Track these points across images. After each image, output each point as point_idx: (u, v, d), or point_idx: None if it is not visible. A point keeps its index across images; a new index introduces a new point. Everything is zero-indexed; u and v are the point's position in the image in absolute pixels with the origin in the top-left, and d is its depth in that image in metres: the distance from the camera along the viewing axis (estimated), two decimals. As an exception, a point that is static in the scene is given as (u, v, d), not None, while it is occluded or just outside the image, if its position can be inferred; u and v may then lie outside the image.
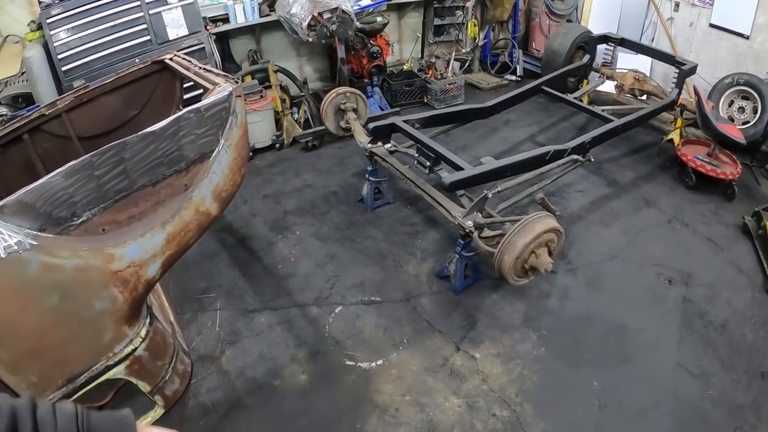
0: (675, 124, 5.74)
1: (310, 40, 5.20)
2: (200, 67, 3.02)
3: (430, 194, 3.88)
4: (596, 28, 6.61)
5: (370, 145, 4.36)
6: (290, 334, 3.59)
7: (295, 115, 5.80)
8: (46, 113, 3.25)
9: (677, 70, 5.52)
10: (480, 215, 3.65)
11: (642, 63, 6.24)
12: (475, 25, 7.06)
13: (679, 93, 5.51)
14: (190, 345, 3.43)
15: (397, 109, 6.18)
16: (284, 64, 6.10)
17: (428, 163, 3.97)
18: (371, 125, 4.19)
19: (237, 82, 2.53)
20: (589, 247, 4.32)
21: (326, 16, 5.17)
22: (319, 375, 3.34)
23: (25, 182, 1.95)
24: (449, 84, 6.52)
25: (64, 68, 4.58)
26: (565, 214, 4.68)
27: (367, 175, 4.53)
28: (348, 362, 3.41)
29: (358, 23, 5.68)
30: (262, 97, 5.40)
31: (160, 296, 3.38)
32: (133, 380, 2.43)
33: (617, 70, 6.15)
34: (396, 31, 7.02)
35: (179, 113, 2.29)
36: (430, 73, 6.64)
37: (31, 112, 3.30)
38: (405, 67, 6.91)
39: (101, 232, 2.12)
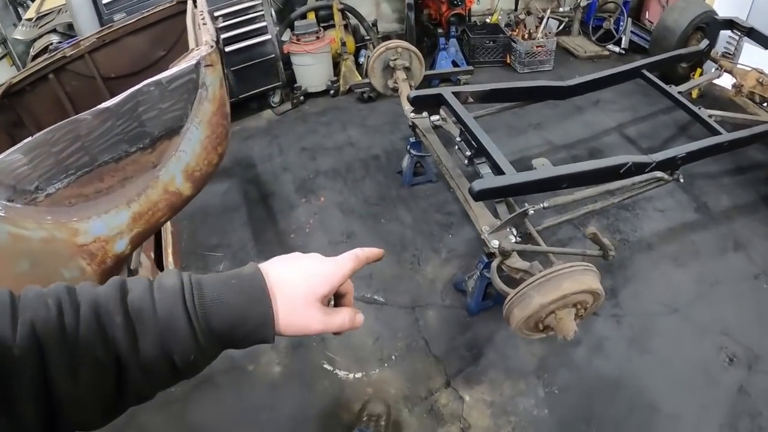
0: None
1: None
2: (203, 20, 2.50)
3: (461, 190, 2.98)
4: (723, 9, 5.08)
5: (413, 114, 3.43)
6: None
7: (362, 59, 4.93)
8: (68, 54, 3.08)
9: None
10: (514, 234, 2.77)
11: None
12: None
13: None
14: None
15: (470, 68, 5.01)
16: (356, 2, 5.18)
17: (468, 153, 3.05)
18: (413, 94, 3.24)
19: (212, 47, 2.01)
20: (649, 290, 3.25)
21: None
22: (294, 371, 2.80)
23: (56, 120, 1.86)
24: (537, 46, 5.22)
25: (104, 1, 4.03)
26: (633, 239, 3.58)
27: (408, 147, 3.63)
28: (326, 366, 2.81)
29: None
30: (318, 38, 4.53)
31: (166, 248, 2.95)
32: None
33: (738, 66, 4.65)
34: None
35: (137, 87, 1.90)
36: (518, 30, 5.32)
37: (54, 54, 3.12)
38: (490, 20, 5.62)
39: (69, 204, 1.99)
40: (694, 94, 5.11)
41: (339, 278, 0.78)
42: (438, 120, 3.38)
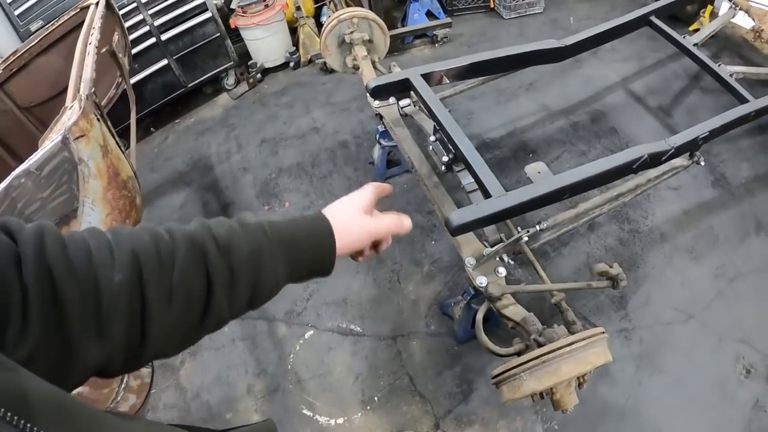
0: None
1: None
2: (91, 42, 2.04)
3: (439, 206, 2.35)
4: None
5: (377, 102, 2.75)
6: (252, 357, 2.60)
7: (323, 19, 4.07)
8: None
9: None
10: (505, 262, 2.17)
11: None
12: None
13: None
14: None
15: (448, 20, 4.20)
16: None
17: (445, 158, 2.41)
18: (372, 84, 2.51)
19: (80, 110, 1.57)
20: (662, 294, 2.75)
21: None
22: (273, 418, 2.30)
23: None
24: None
25: (17, 11, 3.36)
26: (644, 228, 3.02)
27: (377, 136, 2.99)
28: (305, 411, 2.41)
29: None
30: (267, 5, 3.70)
31: None
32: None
33: (756, 5, 3.80)
34: None
35: (6, 182, 1.54)
36: None
37: None
38: None
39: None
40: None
41: (372, 197, 0.92)
42: (408, 106, 2.68)
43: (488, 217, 2.05)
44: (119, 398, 2.29)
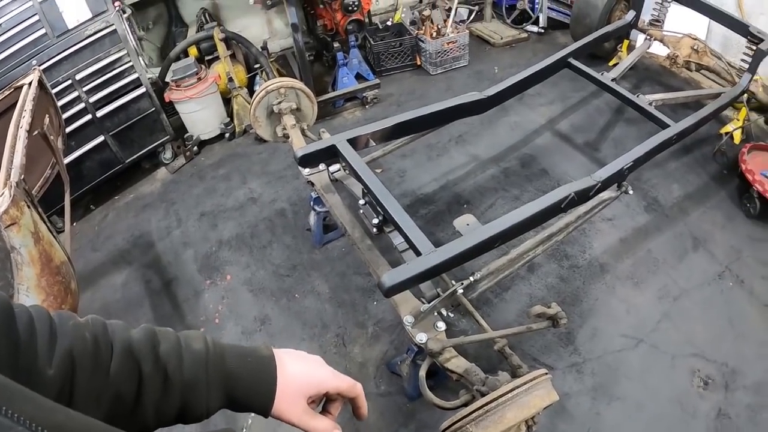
0: (738, 116, 3.92)
1: (252, 2, 3.51)
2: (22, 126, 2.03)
3: (374, 269, 2.41)
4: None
5: (307, 170, 2.84)
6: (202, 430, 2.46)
7: (257, 88, 4.20)
8: None
9: (750, 46, 3.61)
10: (444, 316, 2.23)
11: (696, 23, 4.21)
12: None
13: (751, 79, 3.63)
14: None
15: (376, 81, 4.40)
16: (247, 21, 4.44)
17: (375, 220, 2.49)
18: (300, 153, 2.61)
19: (11, 197, 1.60)
20: (609, 324, 2.83)
21: (274, -35, 3.43)
22: None
23: None
24: (448, 43, 4.59)
25: None
26: (583, 262, 3.13)
27: (311, 203, 3.05)
28: None
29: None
30: (199, 79, 3.82)
31: None
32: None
33: (668, 33, 4.13)
34: None
35: None
36: (425, 28, 4.65)
37: None
38: (393, 19, 4.92)
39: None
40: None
41: (330, 386, 0.87)
42: (338, 171, 2.77)
43: (419, 275, 2.12)
44: None
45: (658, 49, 4.37)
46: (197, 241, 3.40)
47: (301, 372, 0.84)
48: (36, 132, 2.35)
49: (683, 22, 4.27)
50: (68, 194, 2.76)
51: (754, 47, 3.58)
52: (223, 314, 2.98)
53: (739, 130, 3.90)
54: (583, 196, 2.61)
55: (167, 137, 3.94)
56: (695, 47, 3.96)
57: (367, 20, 4.65)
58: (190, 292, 3.14)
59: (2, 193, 1.58)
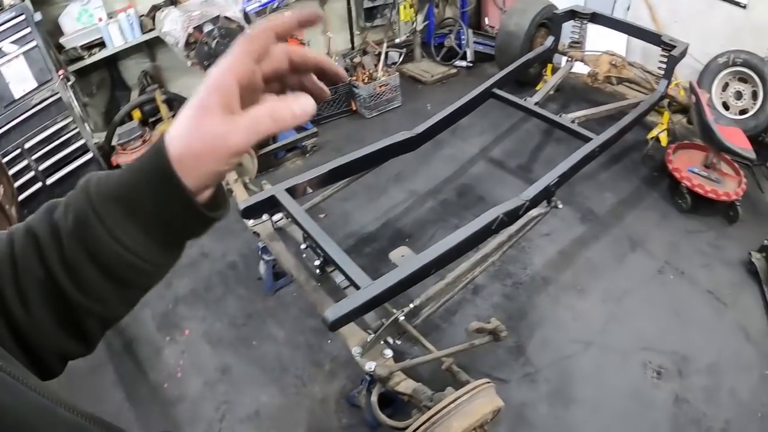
0: (662, 120, 4.24)
1: (190, 64, 3.69)
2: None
3: (321, 308, 2.52)
4: (561, 2, 4.92)
5: (252, 222, 2.96)
6: None
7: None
8: None
9: (664, 54, 3.96)
10: (390, 344, 2.36)
11: (616, 39, 4.60)
12: (410, 6, 5.19)
13: (668, 84, 3.97)
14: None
15: (313, 130, 4.58)
16: (188, 81, 4.59)
17: (317, 262, 2.63)
18: (242, 206, 2.76)
19: None
20: (557, 332, 2.99)
21: (207, 29, 3.61)
22: None
23: None
24: (380, 86, 4.83)
25: None
26: (525, 278, 3.29)
27: (259, 252, 3.15)
28: None
29: (260, 26, 4.14)
30: (144, 141, 3.96)
31: None
32: None
33: (588, 53, 4.51)
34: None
35: None
36: (358, 74, 4.91)
37: None
38: None
39: None
40: (552, 90, 4.89)
41: (228, 72, 0.56)
42: (281, 220, 2.91)
43: (360, 307, 2.25)
44: None
45: (581, 69, 4.72)
46: (153, 300, 3.45)
47: (186, 107, 0.57)
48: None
49: (604, 40, 4.64)
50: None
51: (668, 54, 3.92)
52: (184, 368, 3.02)
53: (665, 133, 4.22)
54: (512, 215, 2.80)
55: (117, 201, 4.02)
56: (613, 62, 4.31)
57: (302, 72, 4.81)
58: (150, 350, 3.17)
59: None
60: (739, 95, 4.29)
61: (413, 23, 5.28)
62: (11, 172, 3.43)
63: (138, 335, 3.27)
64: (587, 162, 3.35)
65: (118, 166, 3.99)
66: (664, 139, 4.21)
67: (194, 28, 3.56)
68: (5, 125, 3.49)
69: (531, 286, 3.24)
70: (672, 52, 3.87)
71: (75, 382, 2.94)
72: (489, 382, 2.05)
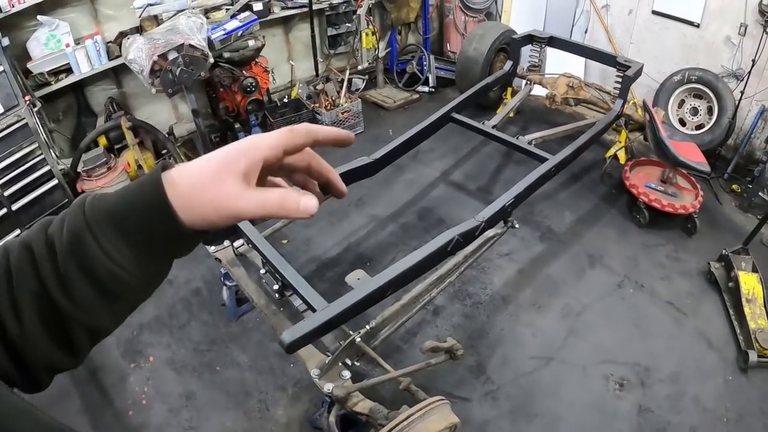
0: (619, 139, 4.45)
1: (155, 91, 3.77)
2: None
3: (279, 331, 2.57)
4: (520, 23, 5.15)
5: (213, 248, 3.03)
6: None
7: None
8: None
9: (619, 74, 4.12)
10: (348, 365, 2.44)
11: (575, 62, 4.82)
12: (372, 34, 5.34)
13: (624, 104, 4.14)
14: None
15: None
16: (154, 108, 4.68)
17: (275, 286, 2.70)
18: (199, 229, 2.85)
19: None
20: (517, 349, 3.09)
21: (171, 56, 3.70)
22: None
23: None
24: (342, 113, 4.96)
25: None
26: (485, 298, 3.39)
27: (221, 278, 3.19)
28: None
29: (225, 53, 4.25)
30: (109, 168, 4.01)
31: None
32: None
33: (546, 75, 4.71)
34: (284, 49, 5.40)
35: None
36: (321, 100, 5.04)
37: None
38: (291, 95, 5.27)
39: None
40: (512, 113, 5.06)
41: (262, 149, 0.63)
42: (242, 246, 2.99)
43: (316, 329, 2.30)
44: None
45: (541, 91, 4.91)
46: (118, 327, 3.48)
47: (207, 157, 0.63)
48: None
49: (564, 63, 4.84)
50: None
51: (623, 75, 4.07)
52: (149, 395, 3.04)
53: (623, 151, 4.41)
54: (468, 236, 2.87)
55: (82, 227, 4.06)
56: (570, 84, 4.49)
57: (266, 98, 4.96)
58: (115, 377, 3.19)
59: None
60: (695, 111, 4.54)
61: (375, 50, 5.45)
62: None
63: (103, 363, 3.29)
64: (543, 182, 3.47)
65: (83, 192, 4.07)
66: (622, 156, 4.40)
67: (159, 56, 3.64)
68: None
69: (491, 306, 3.34)
70: (626, 72, 4.03)
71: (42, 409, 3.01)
72: (443, 400, 2.13)
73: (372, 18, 5.42)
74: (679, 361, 2.99)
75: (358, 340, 2.42)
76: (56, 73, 4.07)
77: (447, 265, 2.85)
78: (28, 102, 3.68)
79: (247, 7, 4.33)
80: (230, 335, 3.31)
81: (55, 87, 4.05)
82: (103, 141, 4.29)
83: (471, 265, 3.20)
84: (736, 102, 4.25)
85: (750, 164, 4.41)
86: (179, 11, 3.84)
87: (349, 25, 5.41)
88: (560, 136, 4.16)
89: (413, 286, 2.72)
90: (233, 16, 4.21)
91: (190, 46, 3.75)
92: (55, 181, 3.89)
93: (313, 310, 2.39)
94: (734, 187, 4.37)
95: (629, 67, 4.09)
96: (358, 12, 5.05)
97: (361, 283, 2.57)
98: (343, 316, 2.37)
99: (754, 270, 3.38)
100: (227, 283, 3.20)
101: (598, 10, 4.91)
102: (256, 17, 4.25)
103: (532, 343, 3.12)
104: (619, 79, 4.15)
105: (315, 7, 5.04)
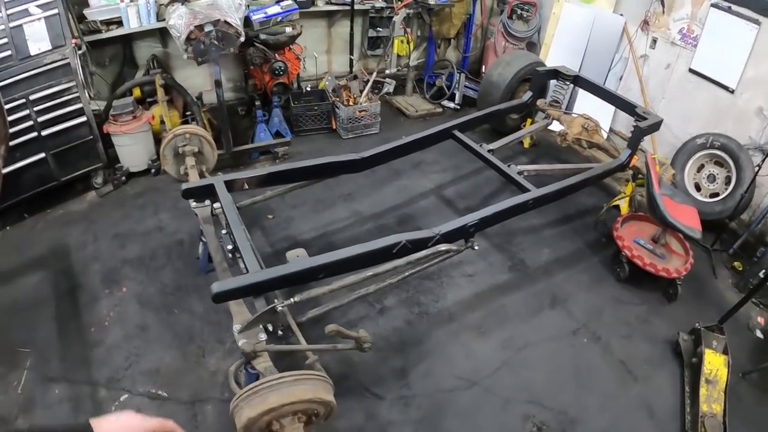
0: (625, 190, 4.51)
1: (186, 57, 4.22)
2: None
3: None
4: (558, 58, 5.29)
5: (195, 203, 3.39)
6: (74, 415, 2.94)
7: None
8: None
9: (634, 124, 4.16)
10: (267, 331, 2.73)
11: (605, 105, 4.81)
12: (407, 42, 5.64)
13: (632, 155, 4.21)
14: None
15: (286, 139, 5.06)
16: (190, 72, 5.15)
17: (229, 247, 3.03)
18: (184, 186, 3.22)
19: None
20: (445, 366, 3.23)
21: (207, 29, 4.13)
22: None
23: None
24: (360, 111, 5.26)
25: None
26: (433, 310, 3.58)
27: (200, 234, 3.56)
28: None
29: (262, 35, 4.67)
30: (134, 117, 4.50)
31: None
32: None
33: (565, 113, 4.80)
34: (325, 41, 5.79)
35: None
36: (344, 95, 5.37)
37: None
38: (319, 86, 5.65)
39: None
40: (526, 143, 5.22)
41: (146, 427, 1.13)
42: (219, 208, 3.35)
43: (244, 288, 2.62)
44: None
45: (559, 127, 4.98)
46: (106, 257, 3.93)
47: (117, 424, 1.09)
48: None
49: (594, 104, 4.90)
50: (-2, 192, 3.32)
51: (635, 125, 4.09)
52: (112, 319, 3.48)
53: (626, 203, 4.43)
54: (418, 244, 3.05)
55: (100, 164, 4.55)
56: (586, 126, 4.55)
57: (295, 84, 5.36)
58: (89, 297, 3.64)
59: None
60: (712, 178, 4.51)
61: (408, 58, 5.74)
62: (14, 116, 3.94)
63: (83, 283, 3.75)
64: (517, 212, 3.60)
65: (107, 134, 4.59)
66: (624, 209, 4.44)
67: (196, 26, 4.07)
68: (18, 75, 3.99)
69: (436, 318, 3.51)
70: (640, 123, 4.07)
71: (18, 313, 3.49)
72: (323, 377, 2.38)
73: (410, 27, 5.72)
74: (611, 422, 2.98)
75: (280, 308, 2.67)
76: (108, 23, 4.60)
77: (385, 266, 2.98)
78: (74, 44, 4.20)
79: (291, -5, 4.74)
80: (195, 286, 3.68)
81: (104, 36, 4.57)
82: (137, 92, 4.79)
83: (433, 270, 3.41)
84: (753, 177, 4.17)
85: (760, 244, 4.31)
86: (222, -12, 4.28)
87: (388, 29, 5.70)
88: (556, 174, 4.22)
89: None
90: (277, 2, 4.62)
91: (226, 22, 4.16)
92: (83, 118, 4.34)
93: (247, 272, 2.74)
94: (736, 264, 4.27)
95: (645, 119, 4.13)
96: (394, 18, 5.36)
97: (298, 259, 2.86)
98: (271, 283, 2.68)
99: (725, 352, 3.28)
100: (203, 239, 3.57)
101: (636, 59, 4.98)
102: (296, 7, 4.64)
103: (461, 364, 3.25)
104: (634, 127, 4.14)
105: (357, 7, 5.39)
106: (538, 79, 4.74)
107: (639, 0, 5.00)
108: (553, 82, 4.87)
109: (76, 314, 3.54)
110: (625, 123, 5.09)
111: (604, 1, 5.28)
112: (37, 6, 4.02)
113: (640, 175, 4.44)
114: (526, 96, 4.75)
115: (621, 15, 5.19)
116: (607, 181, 4.80)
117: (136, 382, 3.10)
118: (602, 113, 4.93)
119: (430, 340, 3.38)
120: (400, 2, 5.45)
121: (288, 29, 4.68)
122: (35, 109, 4.14)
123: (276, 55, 4.80)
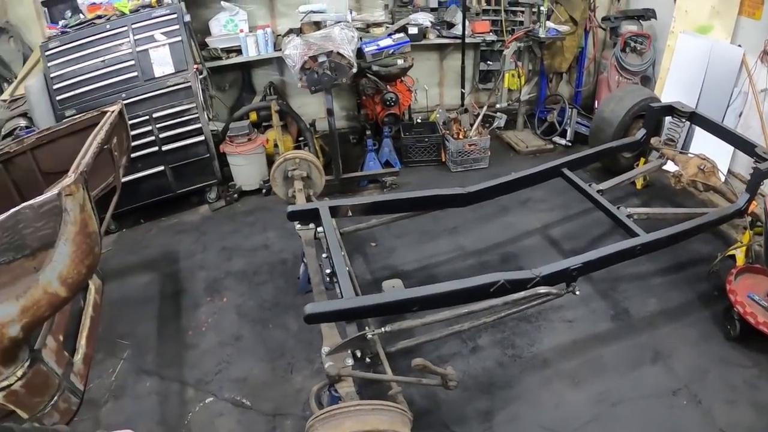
0: (742, 239, 4.15)
1: (300, 86, 4.52)
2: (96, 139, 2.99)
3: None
4: (674, 93, 5.02)
5: (299, 225, 3.60)
6: (159, 409, 3.24)
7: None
8: (11, 150, 3.47)
9: (753, 166, 3.85)
10: (355, 356, 2.80)
11: (725, 144, 4.46)
12: (518, 76, 5.62)
13: (750, 200, 3.89)
14: (88, 385, 3.11)
15: (395, 169, 5.22)
16: (306, 100, 5.53)
17: (328, 271, 3.16)
18: (290, 209, 3.43)
19: (74, 178, 2.46)
20: (532, 413, 3.11)
21: (320, 59, 4.41)
22: None
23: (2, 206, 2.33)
24: (469, 144, 5.31)
25: (58, 98, 4.52)
26: (527, 354, 3.48)
27: (302, 255, 3.73)
28: None
29: (375, 66, 4.89)
30: (250, 140, 4.88)
31: (81, 332, 3.15)
32: (11, 407, 2.60)
33: (681, 153, 4.53)
34: (437, 74, 5.95)
35: (16, 208, 2.35)
36: (455, 128, 5.44)
37: (2, 147, 3.53)
38: (430, 118, 5.78)
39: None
40: (639, 183, 4.99)
41: None
42: (322, 232, 3.52)
43: (335, 312, 2.75)
44: (45, 411, 2.72)
45: (673, 168, 4.67)
46: (212, 267, 4.30)
47: None
48: (105, 146, 3.33)
49: (713, 144, 4.54)
50: (116, 198, 3.63)
51: (755, 167, 3.82)
52: (210, 325, 3.80)
53: (742, 252, 4.06)
54: (516, 285, 2.99)
55: (215, 180, 4.99)
56: (702, 167, 4.26)
57: (406, 115, 5.55)
58: (191, 303, 4.01)
59: (71, 175, 2.46)
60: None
61: (519, 92, 5.71)
62: (138, 131, 4.43)
63: (187, 288, 4.15)
64: (623, 258, 3.45)
65: (223, 153, 4.98)
66: (740, 259, 4.05)
67: (310, 56, 4.38)
68: (143, 94, 4.57)
69: (529, 363, 3.42)
70: (760, 165, 3.78)
71: (124, 308, 3.93)
72: (402, 410, 2.41)
73: (521, 60, 5.72)
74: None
75: (370, 336, 2.75)
76: (228, 51, 5.07)
77: (482, 304, 2.96)
78: (195, 69, 4.66)
79: (403, 29, 4.93)
80: (292, 304, 3.90)
81: (224, 62, 5.05)
82: (253, 116, 5.20)
83: (532, 313, 3.37)
84: None
85: None
86: (336, 22, 4.55)
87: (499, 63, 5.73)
88: (669, 218, 4.01)
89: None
90: (389, 35, 4.83)
91: (339, 54, 4.43)
92: (202, 137, 4.83)
93: (342, 297, 2.85)
94: None
95: (766, 160, 3.79)
96: (504, 52, 5.39)
97: (393, 290, 2.92)
98: (362, 310, 2.77)
99: None
100: (304, 260, 3.77)
101: (756, 93, 4.59)
102: (408, 40, 4.85)
103: (550, 413, 3.12)
104: (753, 169, 3.85)
105: (468, 40, 5.49)
106: (652, 115, 4.55)
107: (758, 29, 4.63)
108: (668, 118, 4.64)
109: (177, 316, 3.92)
110: (745, 164, 4.68)
111: (721, 31, 4.95)
112: (162, 33, 4.53)
113: (758, 223, 4.06)
114: (640, 134, 4.56)
115: (739, 46, 4.82)
116: (724, 227, 4.45)
117: (223, 387, 3.35)
118: (720, 153, 4.58)
119: (520, 384, 3.29)
120: (510, 36, 5.49)
121: (400, 61, 4.89)
122: (157, 125, 4.67)
123: (388, 86, 5.02)
